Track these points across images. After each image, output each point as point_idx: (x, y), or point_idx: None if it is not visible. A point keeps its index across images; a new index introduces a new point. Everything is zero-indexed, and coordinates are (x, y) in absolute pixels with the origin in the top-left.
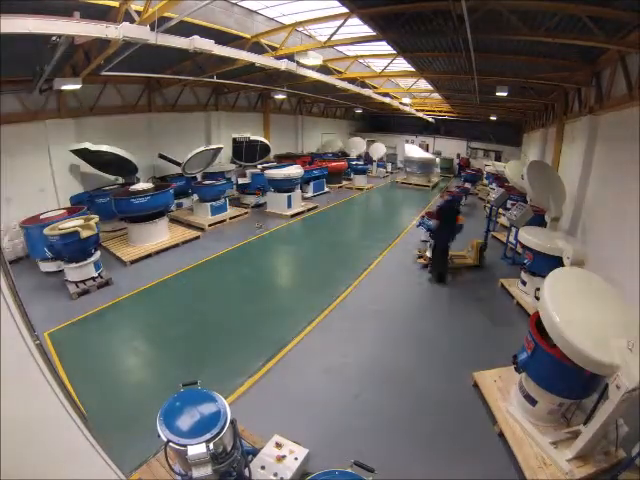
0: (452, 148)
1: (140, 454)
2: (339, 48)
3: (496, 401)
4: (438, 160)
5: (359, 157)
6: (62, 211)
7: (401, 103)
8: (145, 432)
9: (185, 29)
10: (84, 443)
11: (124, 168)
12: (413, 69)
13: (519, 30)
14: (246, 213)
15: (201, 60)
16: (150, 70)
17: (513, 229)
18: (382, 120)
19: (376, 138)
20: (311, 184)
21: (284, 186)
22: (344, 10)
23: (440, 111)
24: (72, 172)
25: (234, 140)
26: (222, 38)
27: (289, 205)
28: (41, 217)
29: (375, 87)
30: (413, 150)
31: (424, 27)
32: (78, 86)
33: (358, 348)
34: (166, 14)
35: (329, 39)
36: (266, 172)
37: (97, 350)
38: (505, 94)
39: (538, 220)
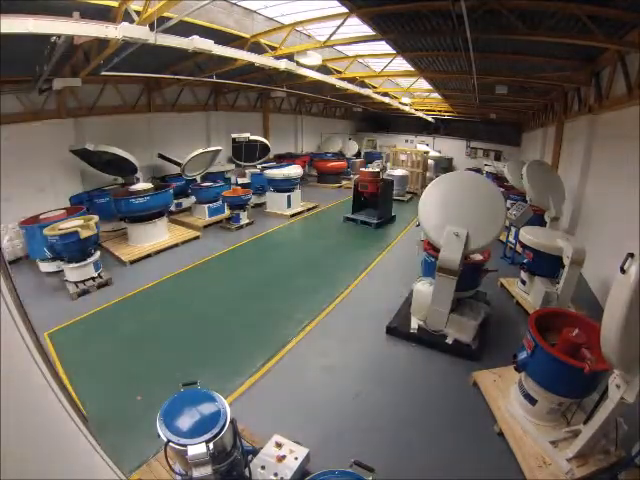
0: (452, 148)
1: (140, 454)
2: (338, 48)
3: (496, 401)
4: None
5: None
6: (62, 211)
7: (401, 103)
8: (145, 432)
9: (184, 29)
10: (84, 443)
11: (124, 168)
12: (413, 69)
13: (518, 30)
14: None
15: (201, 60)
16: (150, 70)
17: (512, 229)
18: (382, 120)
19: (375, 138)
20: None
21: (284, 186)
22: (343, 10)
23: (440, 111)
24: (71, 172)
25: (233, 140)
26: (222, 38)
27: (289, 205)
28: (41, 217)
29: (375, 87)
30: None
31: (423, 27)
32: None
33: (358, 347)
34: (165, 14)
35: (328, 39)
36: (266, 172)
37: (97, 350)
38: (505, 92)
39: (538, 220)
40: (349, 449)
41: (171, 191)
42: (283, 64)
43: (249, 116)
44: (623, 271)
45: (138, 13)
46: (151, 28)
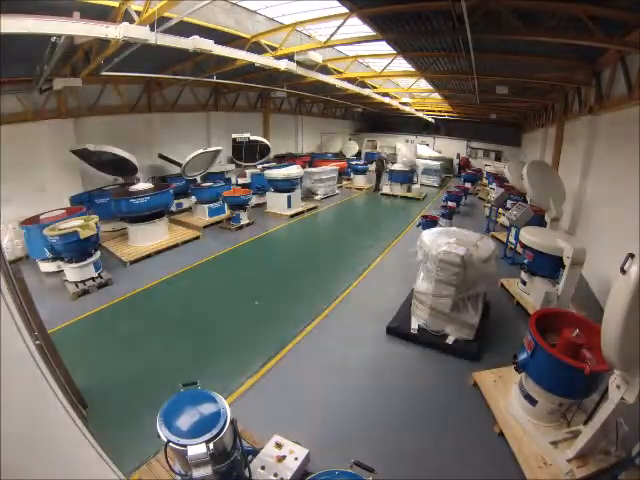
0: (452, 148)
1: (140, 454)
2: (339, 48)
3: (496, 401)
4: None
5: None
6: (62, 211)
7: (401, 103)
8: (145, 432)
9: (185, 29)
10: (84, 443)
11: (124, 168)
12: (413, 69)
13: (519, 30)
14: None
15: (201, 60)
16: (150, 70)
17: (513, 229)
18: (382, 120)
19: (376, 138)
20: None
21: (284, 186)
22: (344, 10)
23: (440, 111)
24: (72, 172)
25: (234, 140)
26: (222, 38)
27: (289, 205)
28: (41, 217)
29: (375, 87)
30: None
31: (424, 27)
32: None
33: (358, 347)
34: (166, 14)
35: (329, 39)
36: (266, 172)
37: (97, 350)
38: (505, 91)
39: (538, 220)
40: (349, 449)
41: (171, 191)
42: (284, 64)
43: (249, 116)
44: (623, 271)
45: (138, 13)
46: (151, 28)
